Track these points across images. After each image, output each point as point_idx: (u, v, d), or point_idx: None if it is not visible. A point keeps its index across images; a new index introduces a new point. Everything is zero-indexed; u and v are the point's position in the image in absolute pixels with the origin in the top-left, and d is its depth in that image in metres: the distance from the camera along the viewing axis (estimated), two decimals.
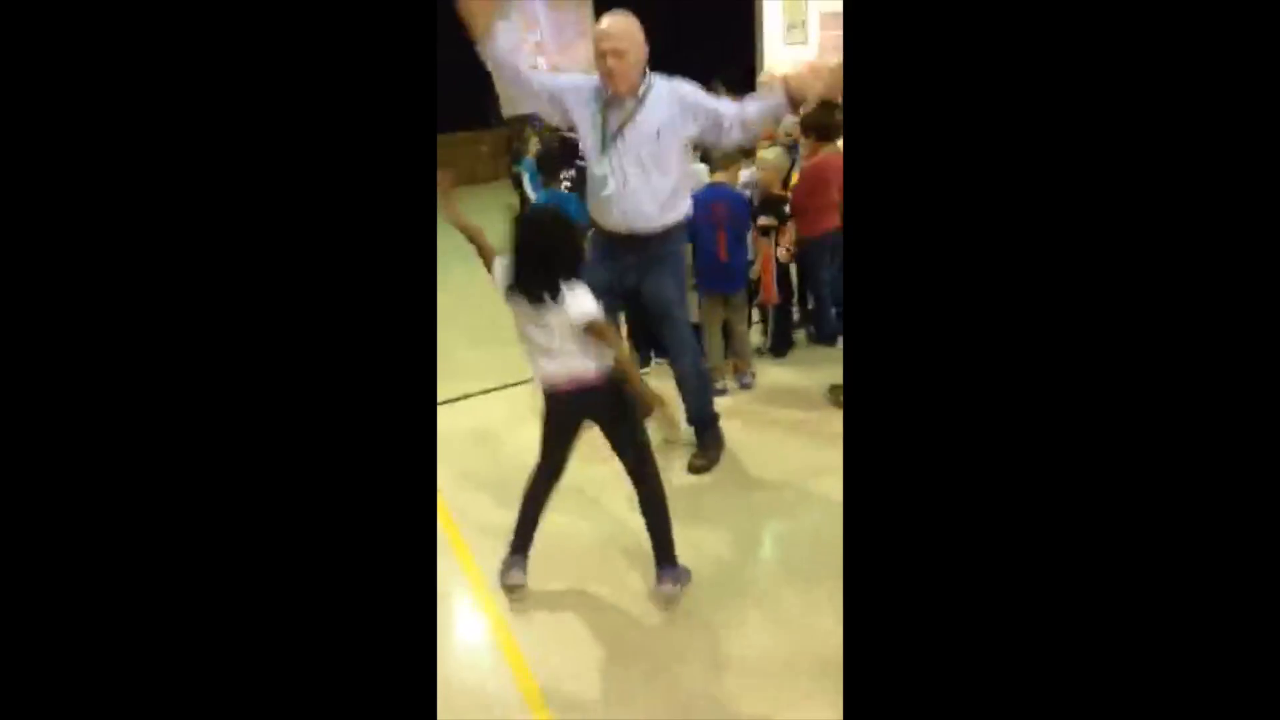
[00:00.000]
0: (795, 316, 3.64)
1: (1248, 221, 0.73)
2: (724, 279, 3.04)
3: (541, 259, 1.78)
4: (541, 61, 9.49)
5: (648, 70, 2.29)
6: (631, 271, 2.46)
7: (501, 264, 1.86)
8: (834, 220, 3.04)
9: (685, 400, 2.64)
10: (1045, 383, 0.77)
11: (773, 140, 3.54)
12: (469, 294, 3.76)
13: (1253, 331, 0.73)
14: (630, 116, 2.27)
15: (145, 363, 0.76)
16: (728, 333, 3.25)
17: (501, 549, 2.13)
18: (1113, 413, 0.75)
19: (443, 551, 2.34)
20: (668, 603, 2.05)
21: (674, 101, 2.29)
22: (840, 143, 3.07)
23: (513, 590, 2.10)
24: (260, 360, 0.79)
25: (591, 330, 1.80)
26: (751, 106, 2.33)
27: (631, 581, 2.16)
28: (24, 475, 0.72)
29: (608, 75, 2.21)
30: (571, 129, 2.42)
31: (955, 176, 0.79)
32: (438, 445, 2.44)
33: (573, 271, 1.81)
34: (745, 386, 3.25)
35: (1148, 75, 0.74)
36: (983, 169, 0.78)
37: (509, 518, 2.12)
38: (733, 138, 2.38)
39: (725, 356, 3.26)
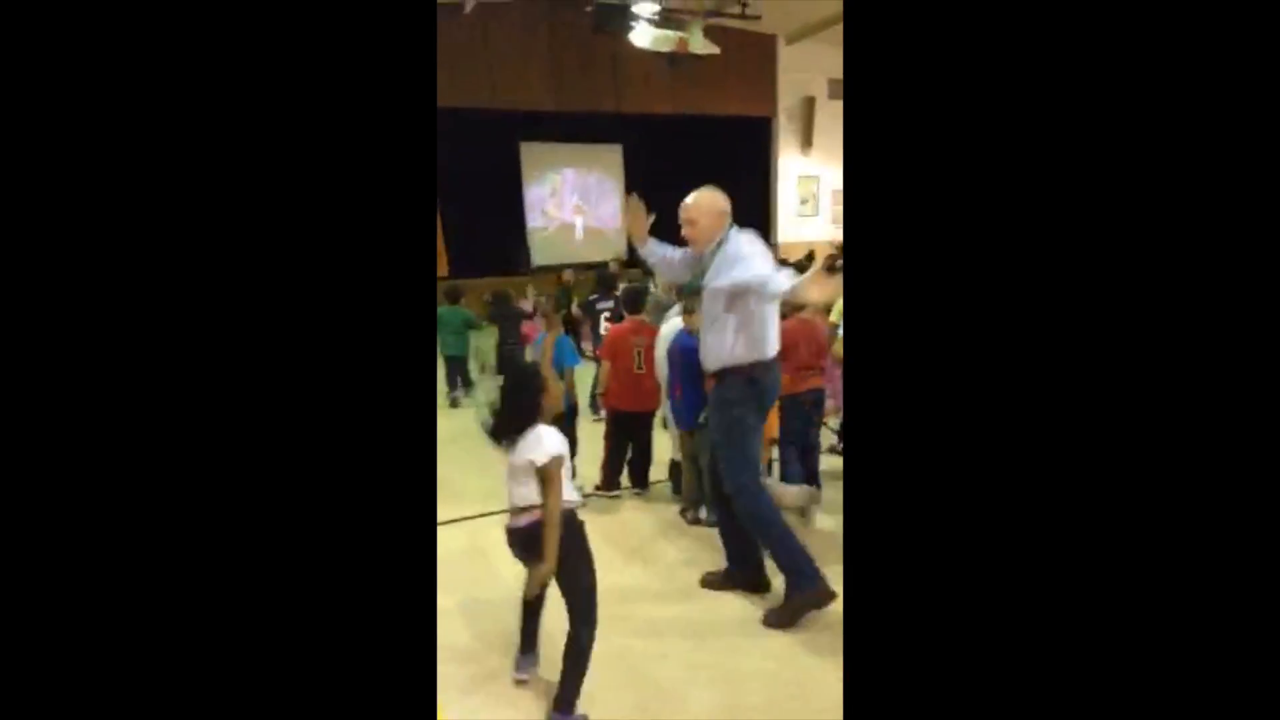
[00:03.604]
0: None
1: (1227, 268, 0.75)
2: (679, 416, 3.35)
3: (506, 406, 2.02)
4: (580, 221, 11.17)
5: (725, 232, 2.58)
6: (709, 405, 2.77)
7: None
8: (810, 382, 3.37)
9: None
10: (1041, 507, 0.82)
11: None
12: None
13: (1247, 361, 0.74)
14: (703, 271, 2.63)
15: (156, 462, 0.78)
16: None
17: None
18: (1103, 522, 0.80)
19: None
20: None
21: (728, 257, 2.51)
22: (808, 312, 3.38)
23: (522, 682, 2.27)
24: (265, 481, 0.82)
25: (540, 473, 1.94)
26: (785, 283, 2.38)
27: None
28: (17, 480, 0.74)
29: (687, 239, 2.68)
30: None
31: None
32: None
33: (531, 418, 2.00)
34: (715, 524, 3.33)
35: (1125, 163, 0.79)
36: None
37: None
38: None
39: (701, 488, 3.41)
